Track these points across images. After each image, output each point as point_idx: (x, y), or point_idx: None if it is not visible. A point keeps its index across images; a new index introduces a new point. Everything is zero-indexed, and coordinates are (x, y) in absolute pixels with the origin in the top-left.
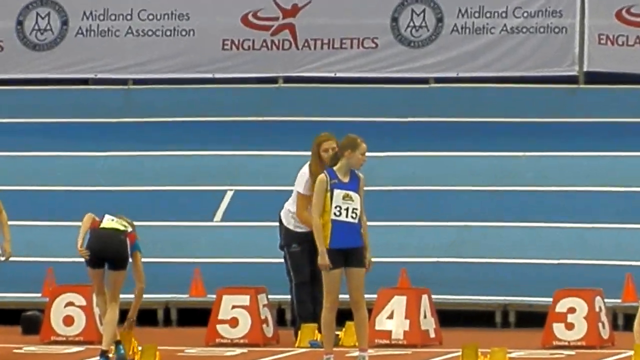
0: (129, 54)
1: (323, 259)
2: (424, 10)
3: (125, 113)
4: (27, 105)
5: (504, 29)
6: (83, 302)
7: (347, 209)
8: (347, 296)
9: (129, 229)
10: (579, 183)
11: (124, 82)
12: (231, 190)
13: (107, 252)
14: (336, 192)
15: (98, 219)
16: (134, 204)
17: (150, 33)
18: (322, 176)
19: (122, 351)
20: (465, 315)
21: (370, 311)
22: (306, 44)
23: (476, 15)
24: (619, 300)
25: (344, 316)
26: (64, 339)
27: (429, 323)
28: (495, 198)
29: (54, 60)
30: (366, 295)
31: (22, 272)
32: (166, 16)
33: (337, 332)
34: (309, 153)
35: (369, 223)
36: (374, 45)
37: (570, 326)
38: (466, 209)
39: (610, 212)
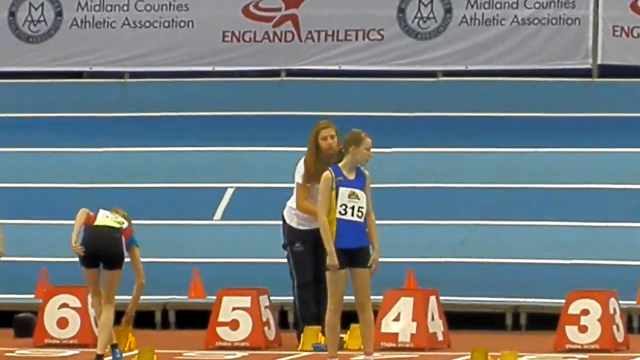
0: (125, 46)
1: (332, 260)
2: (431, 1)
3: (122, 107)
4: (19, 100)
5: (515, 20)
6: (78, 304)
7: (352, 208)
8: (352, 297)
9: (124, 225)
10: (592, 180)
11: (120, 75)
12: (231, 187)
13: (102, 251)
14: (341, 190)
15: (92, 213)
16: (130, 202)
17: (147, 24)
18: (327, 173)
19: (119, 355)
20: (474, 318)
21: (376, 313)
22: (309, 36)
23: (486, 6)
24: (634, 302)
25: (348, 318)
26: (58, 342)
27: (436, 325)
28: (505, 196)
29: (47, 53)
30: (372, 297)
31: (15, 273)
32: (164, 7)
33: (342, 335)
34: None
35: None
36: (379, 37)
37: (583, 329)
38: (475, 207)
39: (625, 210)
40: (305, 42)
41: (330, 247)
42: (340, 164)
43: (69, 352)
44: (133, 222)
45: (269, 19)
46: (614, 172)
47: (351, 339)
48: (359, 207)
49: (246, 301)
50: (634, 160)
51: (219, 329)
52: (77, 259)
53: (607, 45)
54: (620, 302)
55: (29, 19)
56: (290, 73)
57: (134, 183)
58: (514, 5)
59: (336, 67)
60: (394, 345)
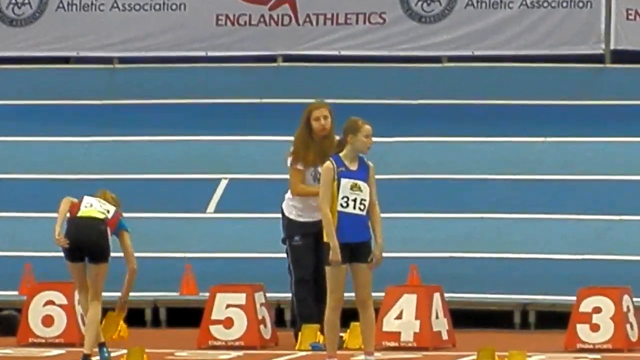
0: (114, 30)
1: (335, 255)
2: None
3: (110, 94)
4: (1, 86)
5: (524, 3)
6: (64, 301)
7: (355, 200)
8: (352, 294)
9: (110, 215)
10: (605, 171)
11: (108, 60)
12: (226, 178)
13: (85, 244)
14: (343, 181)
15: (77, 200)
16: (119, 194)
17: (137, 7)
18: (328, 164)
19: (107, 354)
20: (481, 316)
21: (377, 311)
22: (308, 20)
23: None
24: None
25: (348, 316)
26: (43, 340)
27: (441, 324)
28: (513, 188)
29: (32, 37)
30: (373, 294)
31: None
32: None
33: (341, 334)
34: None
35: None
36: (381, 20)
37: (595, 327)
38: (482, 200)
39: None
40: (303, 26)
41: (333, 241)
42: (341, 154)
43: (54, 351)
44: (123, 215)
45: (265, 1)
46: (627, 163)
47: (351, 338)
48: (362, 200)
49: (241, 298)
50: None
51: (212, 328)
52: (62, 254)
53: (620, 29)
54: (634, 299)
55: (13, 1)
56: (287, 58)
57: (123, 174)
58: None
59: (336, 53)
60: (396, 344)
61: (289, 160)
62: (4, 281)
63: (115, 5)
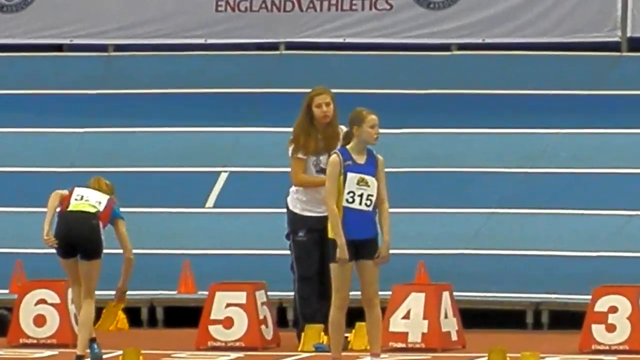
0: (109, 17)
1: (342, 253)
2: None
3: (106, 84)
4: None
5: None
6: (56, 300)
7: (361, 196)
8: (358, 293)
9: (102, 207)
10: (621, 165)
11: (104, 48)
12: (226, 171)
13: (76, 240)
14: (350, 175)
15: (67, 191)
16: (115, 188)
17: None
18: (334, 157)
19: (97, 350)
20: (491, 315)
21: (383, 310)
22: (311, 5)
23: None
24: None
25: (353, 316)
26: (35, 341)
27: (450, 324)
28: (525, 181)
29: (23, 24)
30: (379, 292)
31: None
32: None
33: (346, 335)
34: None
35: None
36: (388, 6)
37: (611, 328)
38: (492, 194)
39: None
40: (306, 12)
41: (341, 239)
42: (348, 147)
43: (46, 352)
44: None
45: None
46: None
47: (356, 339)
48: (368, 195)
49: (241, 297)
50: None
51: (211, 328)
52: (54, 250)
53: (637, 15)
54: None
55: None
56: (290, 46)
57: (118, 167)
58: None
59: (341, 40)
60: (403, 345)
61: (290, 149)
62: None
63: None
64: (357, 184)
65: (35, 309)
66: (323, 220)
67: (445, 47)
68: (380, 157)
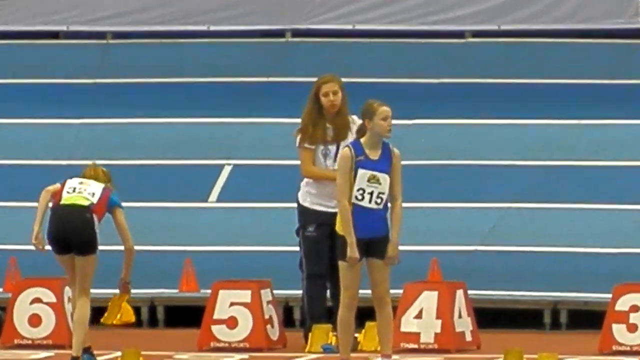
0: (107, 2)
1: (353, 252)
2: None
3: (104, 73)
4: None
5: None
6: (52, 298)
7: (371, 194)
8: (368, 292)
9: (95, 198)
10: None
11: (101, 35)
12: (229, 164)
13: (69, 235)
14: (361, 172)
15: (60, 184)
16: (114, 182)
17: None
18: (346, 151)
19: None
20: (507, 315)
21: (394, 309)
22: None
23: None
24: None
25: (363, 315)
26: (30, 342)
27: (464, 324)
28: (544, 174)
29: (17, 10)
30: (390, 291)
31: None
32: None
33: (356, 335)
34: None
35: None
36: None
37: (632, 328)
38: (509, 188)
39: None
40: None
41: (351, 237)
42: (362, 140)
43: (42, 353)
44: None
45: None
46: None
47: (366, 340)
48: (379, 193)
49: (246, 295)
50: None
51: (214, 328)
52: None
53: None
54: None
55: None
56: (296, 33)
57: (117, 159)
58: None
59: (350, 27)
60: (415, 346)
61: (297, 139)
62: None
63: None
64: (368, 181)
65: (30, 308)
66: (334, 215)
67: (459, 34)
68: (396, 150)
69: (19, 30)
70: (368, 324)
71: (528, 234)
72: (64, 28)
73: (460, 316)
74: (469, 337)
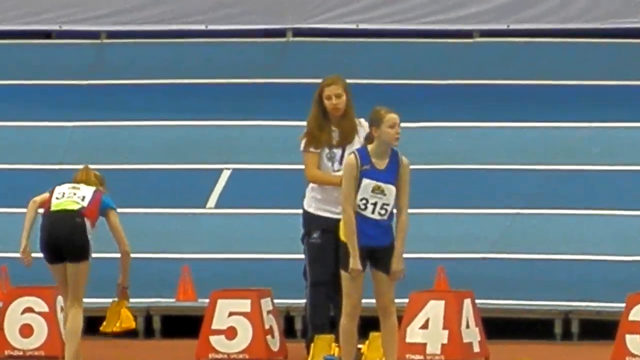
0: (101, 1)
1: (355, 263)
2: None
3: (98, 74)
4: None
5: None
6: (44, 308)
7: (375, 204)
8: (371, 301)
9: (86, 202)
10: None
11: (96, 35)
12: (228, 168)
13: (60, 241)
14: (365, 181)
15: (48, 193)
16: (108, 187)
17: None
18: (351, 159)
19: None
20: (517, 325)
21: (400, 319)
22: None
23: None
24: None
25: (367, 325)
26: (21, 353)
27: (472, 334)
28: (554, 179)
29: (8, 10)
30: (395, 300)
31: None
32: None
33: (360, 346)
34: None
35: None
36: None
37: None
38: (518, 193)
39: None
40: None
41: (354, 248)
42: (369, 148)
43: None
44: None
45: None
46: None
47: (370, 351)
48: (383, 204)
49: (245, 305)
50: None
51: (212, 339)
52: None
53: None
54: None
55: None
56: (298, 33)
57: (111, 164)
58: None
59: (353, 26)
60: (421, 357)
61: (302, 144)
62: None
63: None
64: (372, 191)
65: (21, 318)
66: (340, 221)
67: (467, 34)
68: (405, 159)
69: (9, 30)
70: (372, 334)
71: (538, 240)
72: (57, 27)
73: (467, 326)
74: (477, 348)
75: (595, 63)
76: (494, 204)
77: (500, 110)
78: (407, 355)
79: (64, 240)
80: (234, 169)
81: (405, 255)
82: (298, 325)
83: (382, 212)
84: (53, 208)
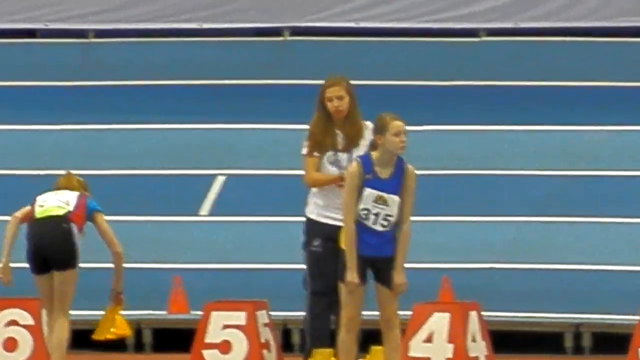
0: None
1: (352, 277)
2: None
3: (84, 74)
4: None
5: None
6: (29, 321)
7: (377, 215)
8: (373, 313)
9: (71, 206)
10: None
11: (82, 34)
12: (222, 175)
13: (46, 248)
14: (367, 191)
15: (29, 207)
16: (95, 193)
17: None
18: (354, 168)
19: None
20: (526, 338)
21: (403, 332)
22: None
23: None
24: None
25: (369, 339)
26: None
27: (478, 348)
28: (564, 185)
29: None
30: (399, 312)
31: None
32: None
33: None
34: None
35: None
36: None
37: None
38: (527, 200)
39: None
40: None
41: (351, 261)
42: (373, 155)
43: None
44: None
45: None
46: None
47: None
48: (386, 215)
49: (240, 317)
50: None
51: (206, 353)
52: (27, 265)
53: None
54: None
55: None
56: (295, 32)
57: (98, 169)
58: None
59: (352, 24)
60: None
61: (304, 147)
62: None
63: None
64: (374, 201)
65: (5, 332)
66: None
67: (473, 33)
68: (410, 168)
69: None
70: (374, 348)
71: (548, 250)
72: (42, 26)
73: (474, 340)
74: None
75: (606, 63)
76: (502, 211)
77: (508, 112)
78: None
79: (50, 247)
80: (228, 175)
81: (407, 265)
82: (296, 339)
83: (385, 223)
84: (38, 216)
